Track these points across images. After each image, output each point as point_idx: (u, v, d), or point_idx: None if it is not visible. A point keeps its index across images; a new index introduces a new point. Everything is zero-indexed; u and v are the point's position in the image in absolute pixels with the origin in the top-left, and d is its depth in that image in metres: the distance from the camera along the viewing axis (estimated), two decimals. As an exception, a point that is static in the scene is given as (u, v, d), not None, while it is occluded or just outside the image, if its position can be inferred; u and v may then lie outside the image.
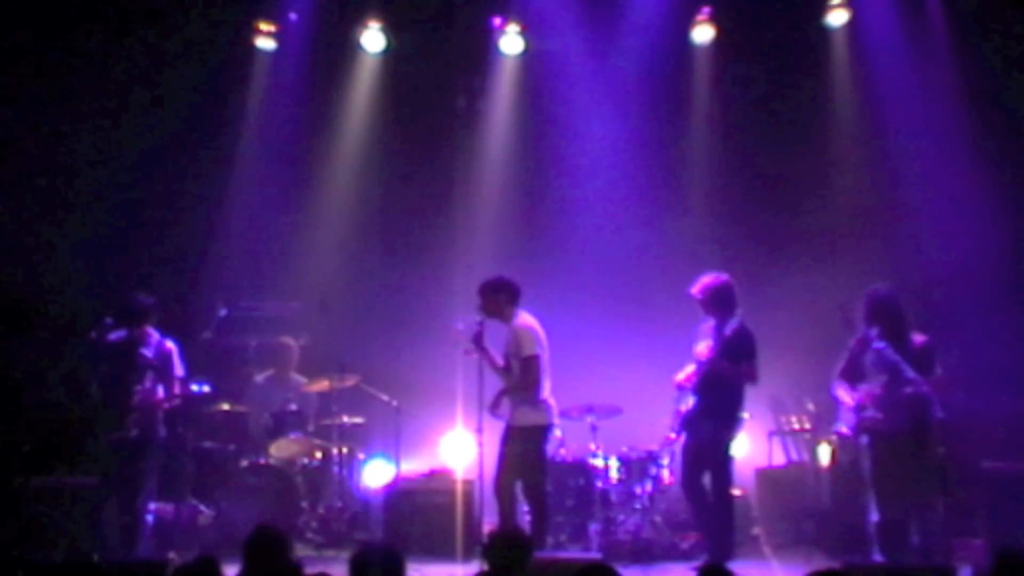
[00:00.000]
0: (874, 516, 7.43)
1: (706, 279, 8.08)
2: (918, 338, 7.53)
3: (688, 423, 8.07)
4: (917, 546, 7.32)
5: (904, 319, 7.52)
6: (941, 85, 9.93)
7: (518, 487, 8.01)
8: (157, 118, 10.18)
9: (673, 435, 8.31)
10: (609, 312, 10.02)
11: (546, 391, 8.00)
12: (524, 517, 8.51)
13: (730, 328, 7.86)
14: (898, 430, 7.34)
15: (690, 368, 8.13)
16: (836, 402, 7.72)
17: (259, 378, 10.09)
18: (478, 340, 8.00)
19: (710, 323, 8.09)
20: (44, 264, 9.94)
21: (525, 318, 8.06)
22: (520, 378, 7.94)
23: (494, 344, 8.12)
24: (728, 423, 8.00)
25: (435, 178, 10.71)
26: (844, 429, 7.69)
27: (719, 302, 8.01)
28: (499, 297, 8.03)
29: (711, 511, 8.03)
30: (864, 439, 7.52)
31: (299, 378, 9.99)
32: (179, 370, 8.23)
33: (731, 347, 7.86)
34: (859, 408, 7.46)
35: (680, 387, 8.13)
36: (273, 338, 10.10)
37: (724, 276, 8.10)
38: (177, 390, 8.19)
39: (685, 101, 10.65)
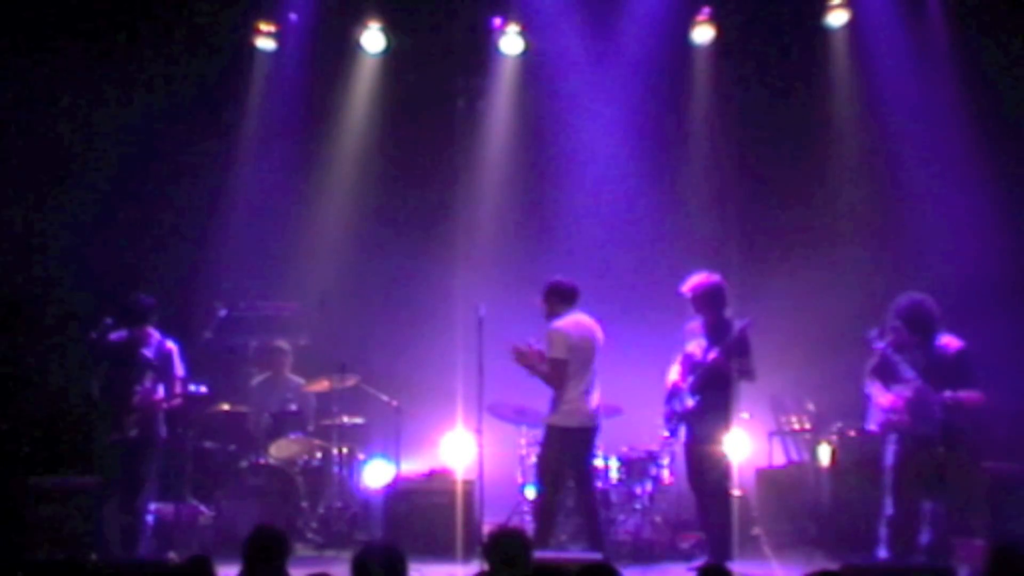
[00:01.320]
0: (888, 510, 7.45)
1: (697, 278, 8.07)
2: (952, 344, 7.54)
3: (688, 422, 8.06)
4: (925, 545, 7.34)
5: (927, 323, 7.52)
6: (942, 85, 9.92)
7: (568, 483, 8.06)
8: (157, 117, 10.18)
9: (667, 434, 8.30)
10: (609, 312, 9.96)
11: (573, 392, 7.89)
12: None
13: (738, 328, 7.85)
14: (924, 434, 7.39)
15: (677, 367, 8.13)
16: (868, 399, 7.73)
17: (255, 381, 10.09)
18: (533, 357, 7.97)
19: (698, 322, 8.09)
20: (44, 264, 9.94)
21: (564, 320, 8.01)
22: (546, 378, 7.93)
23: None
24: (725, 421, 8.00)
25: (435, 178, 10.70)
26: (873, 427, 7.71)
27: (710, 301, 8.02)
28: (552, 299, 8.05)
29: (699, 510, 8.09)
30: (892, 437, 7.54)
31: (296, 379, 9.99)
32: (180, 370, 8.22)
33: (736, 347, 7.87)
34: (891, 410, 7.48)
35: (676, 387, 8.12)
36: (272, 339, 10.10)
37: (715, 276, 8.09)
38: (178, 390, 8.19)
39: (685, 101, 10.64)
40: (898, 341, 7.54)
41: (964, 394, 7.38)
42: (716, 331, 7.99)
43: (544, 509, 7.97)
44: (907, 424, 7.46)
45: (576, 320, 8.04)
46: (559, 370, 7.86)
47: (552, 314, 8.02)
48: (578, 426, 7.93)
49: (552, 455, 7.93)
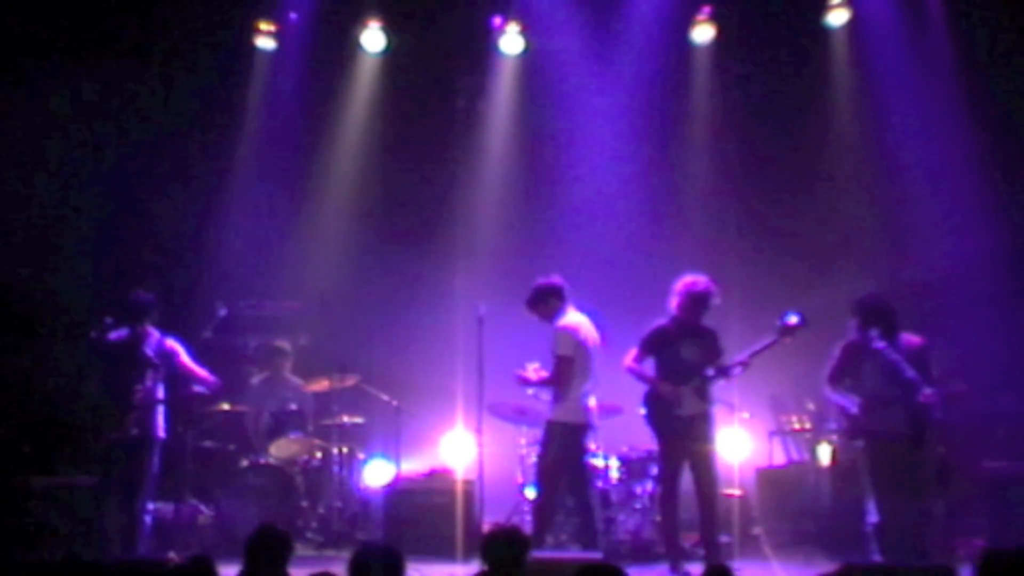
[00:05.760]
0: (873, 517, 7.42)
1: (688, 279, 8.01)
2: (914, 340, 7.48)
3: (687, 424, 8.01)
4: (916, 547, 7.30)
5: (896, 321, 7.48)
6: (941, 85, 9.93)
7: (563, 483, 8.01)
8: (157, 117, 10.19)
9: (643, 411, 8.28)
10: (609, 312, 9.98)
11: (577, 391, 7.89)
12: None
13: (763, 345, 7.80)
14: (896, 433, 7.30)
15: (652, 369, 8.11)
16: (835, 405, 7.68)
17: (254, 381, 10.09)
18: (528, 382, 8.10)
19: (671, 320, 8.05)
20: (45, 264, 9.94)
21: (567, 318, 8.02)
22: (551, 376, 7.94)
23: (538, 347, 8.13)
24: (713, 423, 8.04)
25: (435, 178, 10.71)
26: (842, 433, 7.67)
27: (695, 304, 7.97)
28: (551, 300, 8.02)
29: (676, 514, 8.02)
30: (861, 442, 7.50)
31: (295, 379, 9.99)
32: (191, 365, 8.22)
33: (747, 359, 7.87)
34: (859, 411, 7.42)
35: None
36: (272, 339, 10.10)
37: (704, 279, 7.99)
38: (196, 388, 8.19)
39: (685, 101, 10.65)
40: (860, 339, 7.47)
41: (953, 388, 7.33)
42: (695, 334, 7.97)
43: (545, 509, 7.95)
44: (875, 424, 7.37)
45: (579, 319, 8.05)
46: (566, 368, 7.85)
47: (552, 314, 8.01)
48: (582, 423, 7.92)
49: (553, 453, 7.90)
